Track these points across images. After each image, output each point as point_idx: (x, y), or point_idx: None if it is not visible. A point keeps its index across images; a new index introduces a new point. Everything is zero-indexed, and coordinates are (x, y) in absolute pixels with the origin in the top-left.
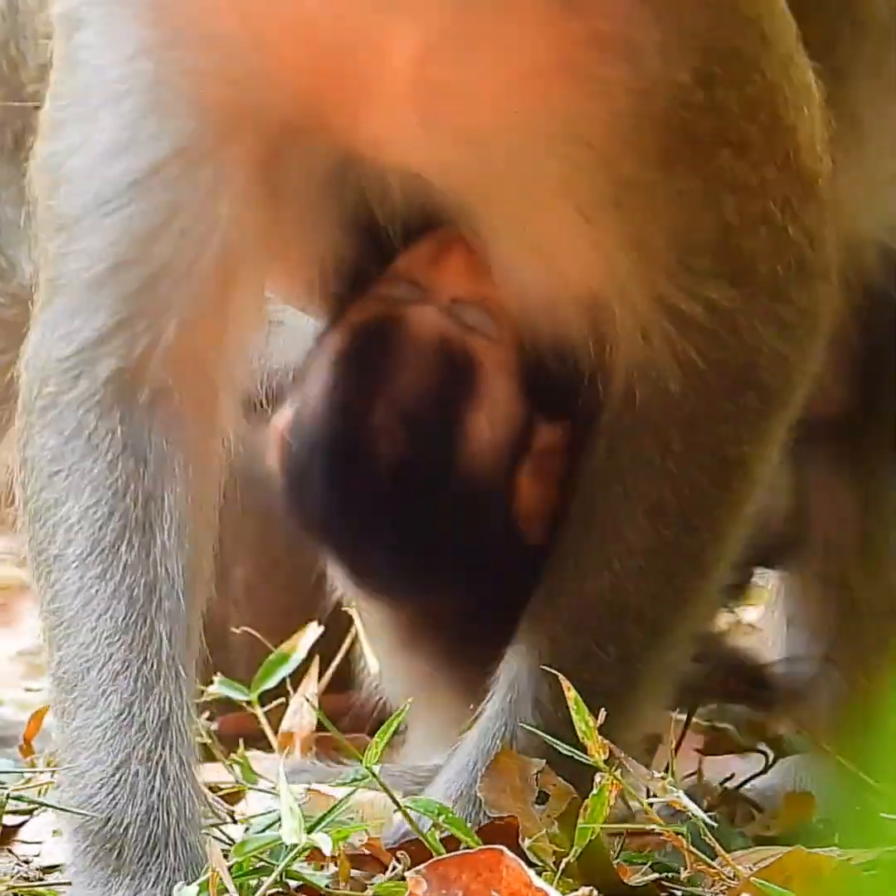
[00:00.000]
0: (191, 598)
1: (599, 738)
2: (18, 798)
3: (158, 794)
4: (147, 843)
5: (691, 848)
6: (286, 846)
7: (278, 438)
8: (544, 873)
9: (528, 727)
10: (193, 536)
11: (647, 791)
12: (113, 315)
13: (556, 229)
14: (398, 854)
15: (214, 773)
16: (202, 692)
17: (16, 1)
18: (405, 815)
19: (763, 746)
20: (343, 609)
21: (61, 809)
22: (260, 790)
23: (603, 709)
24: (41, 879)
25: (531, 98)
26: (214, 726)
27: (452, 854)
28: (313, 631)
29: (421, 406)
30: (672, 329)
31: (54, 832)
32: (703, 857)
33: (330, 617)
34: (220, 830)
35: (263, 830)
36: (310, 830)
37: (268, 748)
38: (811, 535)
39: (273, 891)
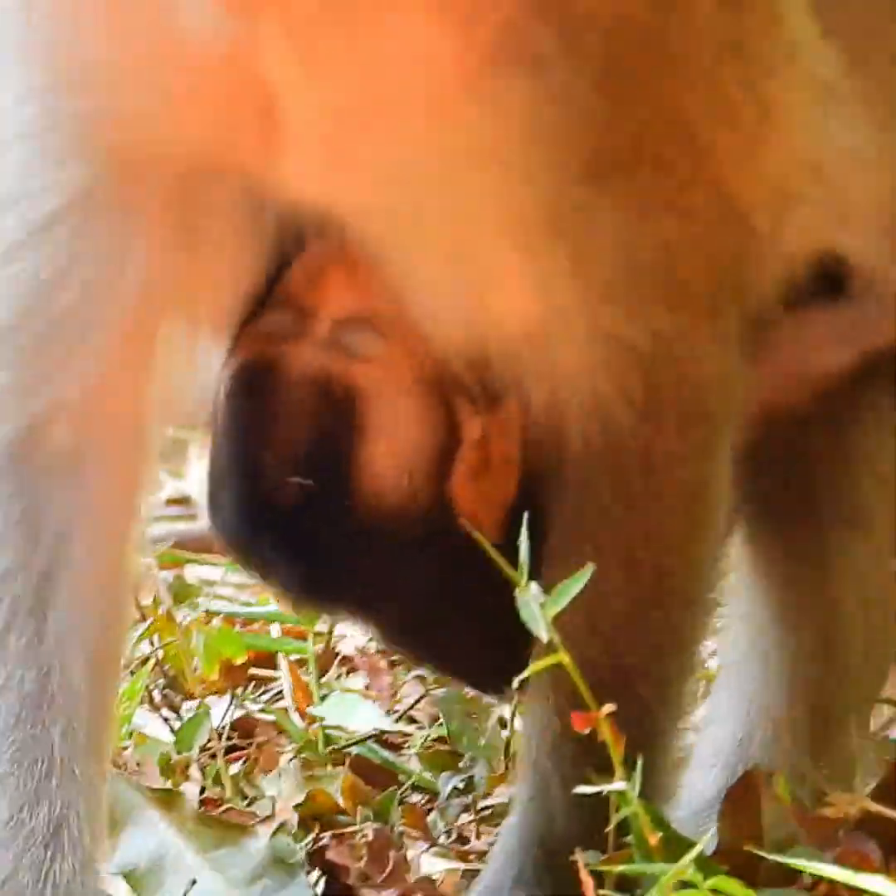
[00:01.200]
0: (96, 683)
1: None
2: None
3: None
4: None
5: None
6: None
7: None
8: None
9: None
10: (100, 614)
11: None
12: (7, 373)
13: (484, 260)
14: None
15: None
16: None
17: None
18: None
19: None
20: None
21: None
22: None
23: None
24: None
25: (436, 121)
26: None
27: None
28: None
29: (307, 450)
30: (617, 361)
31: None
32: None
33: None
34: None
35: None
36: None
37: None
38: None
39: None
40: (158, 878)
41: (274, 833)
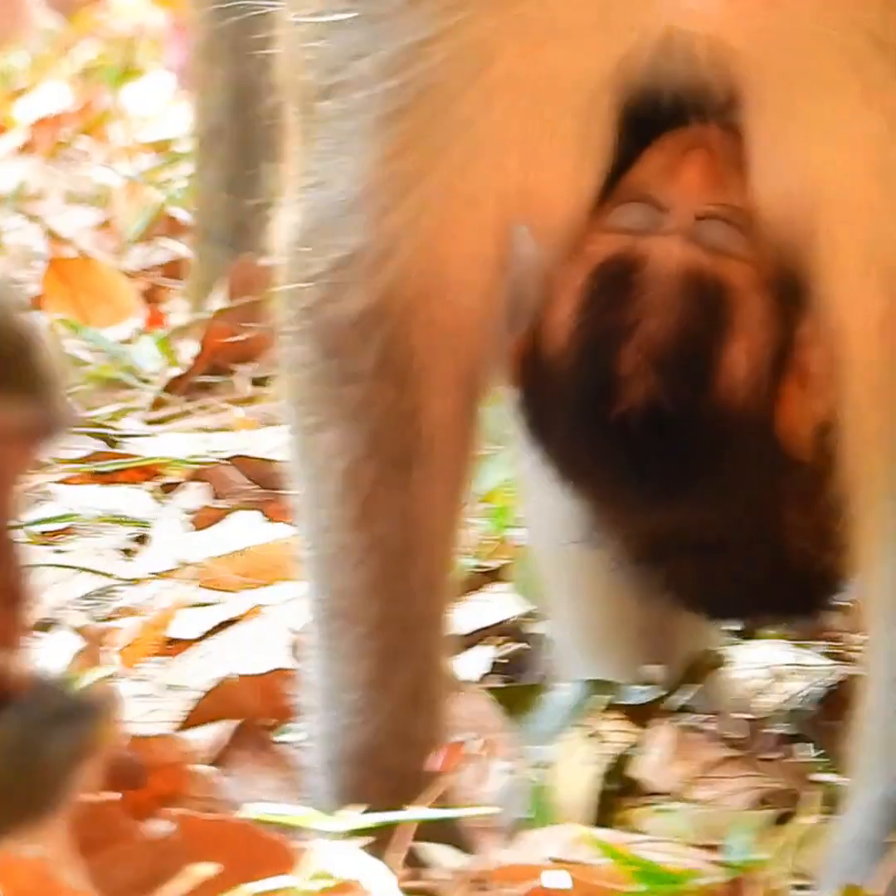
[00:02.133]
0: (452, 533)
1: None
2: None
3: (404, 769)
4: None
5: None
6: None
7: (515, 363)
8: None
9: None
10: (457, 459)
11: None
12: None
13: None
14: None
15: None
16: None
17: None
18: None
19: None
20: None
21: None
22: None
23: None
24: None
25: None
26: None
27: None
28: None
29: (673, 348)
30: None
31: None
32: None
33: None
34: None
35: None
36: None
37: None
38: None
39: None
40: None
41: None
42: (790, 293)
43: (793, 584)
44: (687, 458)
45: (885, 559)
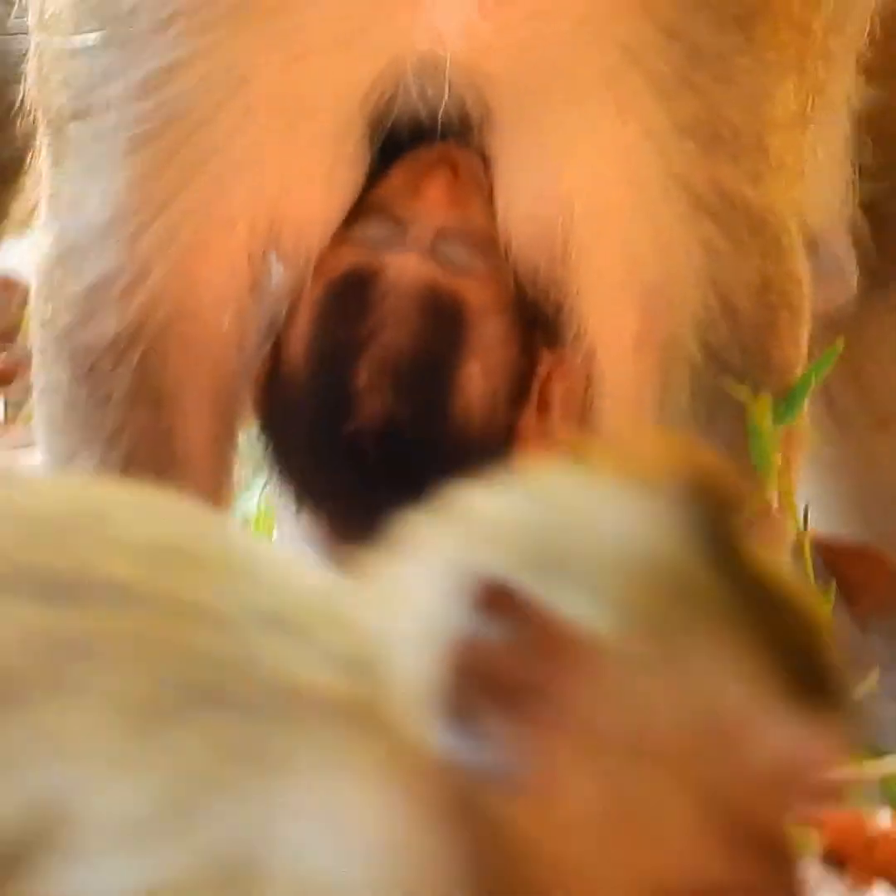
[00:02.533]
0: None
1: None
2: None
3: None
4: None
5: None
6: None
7: (255, 384)
8: None
9: None
10: (214, 482)
11: None
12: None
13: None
14: None
15: None
16: None
17: None
18: None
19: None
20: None
21: None
22: None
23: None
24: None
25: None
26: None
27: None
28: None
29: (408, 363)
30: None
31: None
32: None
33: None
34: None
35: None
36: None
37: None
38: None
39: None
40: None
41: None
42: (535, 319)
43: None
44: (420, 476)
45: None
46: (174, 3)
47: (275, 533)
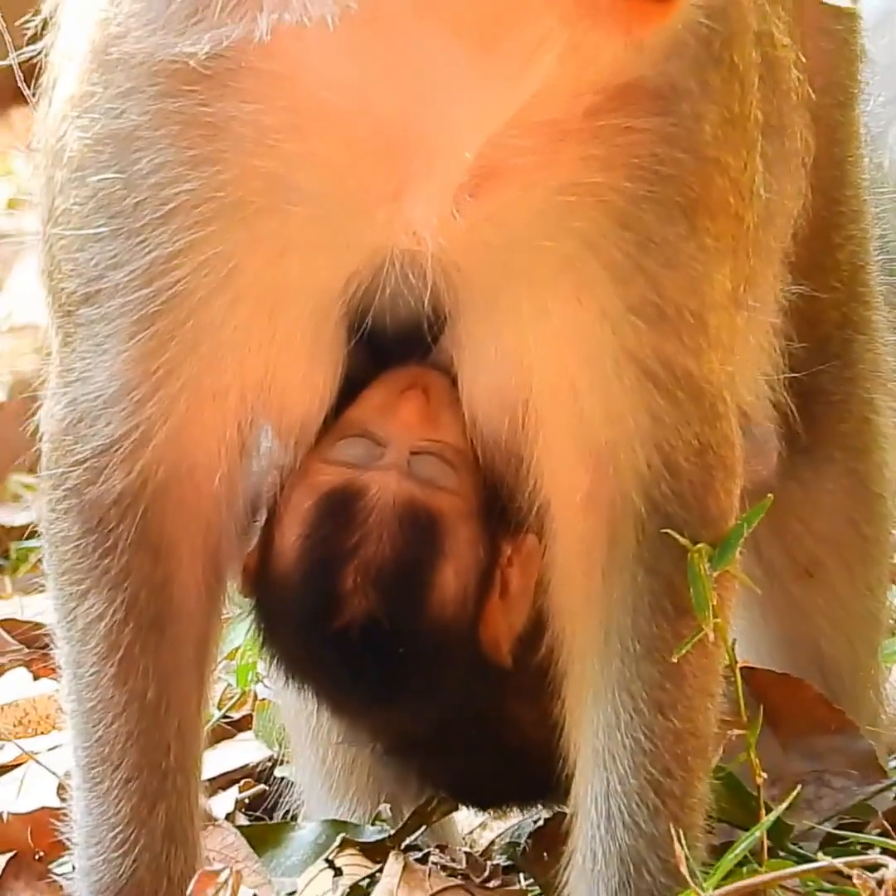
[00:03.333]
0: (203, 687)
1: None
2: None
3: (162, 893)
4: None
5: None
6: None
7: (248, 572)
8: None
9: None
10: (205, 622)
11: None
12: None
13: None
14: None
15: None
16: None
17: None
18: None
19: None
20: None
21: None
22: None
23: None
24: None
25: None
26: None
27: None
28: None
29: (390, 569)
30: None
31: None
32: None
33: None
34: None
35: None
36: None
37: None
38: None
39: None
40: None
41: None
42: (496, 512)
43: (528, 771)
44: (400, 665)
45: (592, 711)
46: (174, 200)
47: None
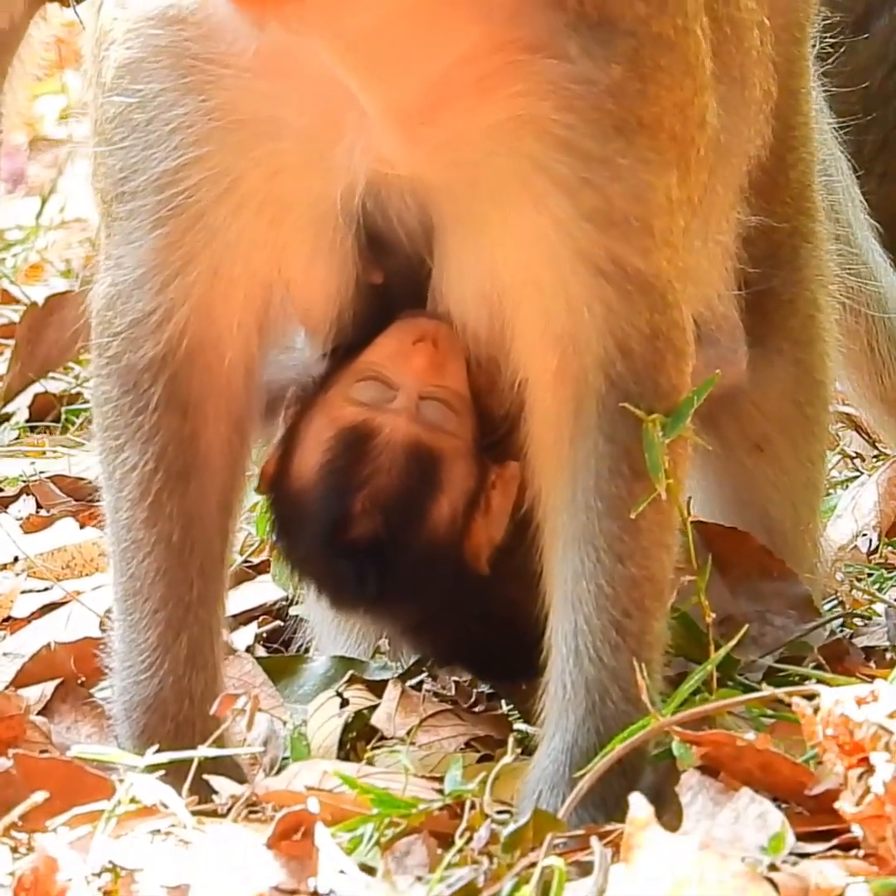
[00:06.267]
0: (225, 533)
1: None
2: None
3: (185, 716)
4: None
5: None
6: None
7: (266, 475)
8: None
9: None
10: (229, 476)
11: None
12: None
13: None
14: None
15: None
16: None
17: None
18: None
19: None
20: None
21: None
22: None
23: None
24: None
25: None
26: None
27: None
28: None
29: (394, 498)
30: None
31: None
32: None
33: None
34: None
35: None
36: None
37: None
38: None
39: None
40: None
41: None
42: (487, 443)
43: (514, 650)
44: (396, 571)
45: (562, 561)
46: (174, 121)
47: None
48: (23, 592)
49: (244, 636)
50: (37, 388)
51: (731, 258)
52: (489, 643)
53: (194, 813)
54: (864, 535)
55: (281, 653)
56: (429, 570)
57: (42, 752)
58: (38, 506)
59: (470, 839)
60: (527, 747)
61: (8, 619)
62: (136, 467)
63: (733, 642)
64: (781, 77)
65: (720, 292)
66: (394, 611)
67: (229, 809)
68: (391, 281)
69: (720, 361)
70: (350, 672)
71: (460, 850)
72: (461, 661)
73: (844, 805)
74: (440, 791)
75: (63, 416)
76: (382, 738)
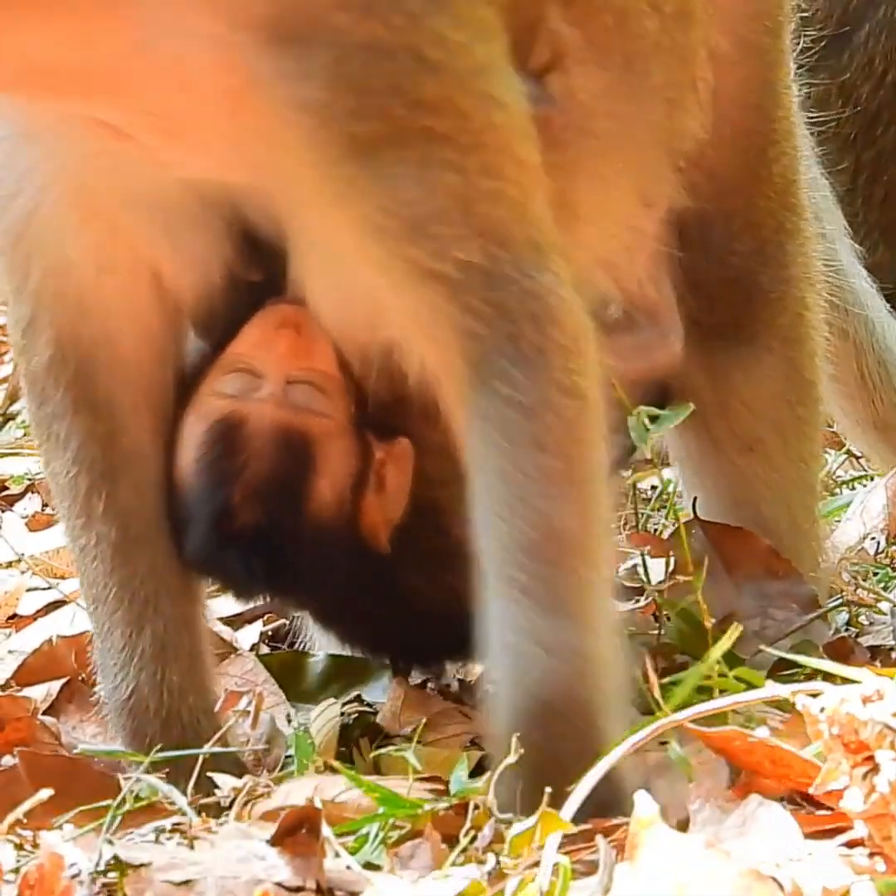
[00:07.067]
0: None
1: None
2: None
3: (168, 711)
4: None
5: None
6: None
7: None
8: None
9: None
10: (156, 471)
11: None
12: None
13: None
14: None
15: None
16: None
17: None
18: None
19: None
20: None
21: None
22: None
23: None
24: None
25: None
26: None
27: None
28: None
29: (270, 485)
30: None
31: None
32: None
33: None
34: None
35: None
36: None
37: None
38: None
39: None
40: None
41: None
42: (368, 421)
43: (439, 629)
44: (287, 559)
45: (478, 471)
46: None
47: None
48: (28, 590)
49: (249, 635)
50: None
51: (659, 244)
52: (412, 627)
53: (198, 809)
54: (872, 537)
55: (281, 651)
56: (322, 553)
57: (49, 750)
58: (44, 504)
59: (475, 838)
60: None
61: (13, 616)
62: (62, 475)
63: (734, 637)
64: (755, 66)
65: (640, 278)
66: (298, 597)
67: (232, 803)
68: (275, 279)
69: (647, 346)
70: (352, 670)
71: (464, 850)
72: (389, 650)
73: (850, 803)
74: (446, 791)
75: None
76: (388, 736)
